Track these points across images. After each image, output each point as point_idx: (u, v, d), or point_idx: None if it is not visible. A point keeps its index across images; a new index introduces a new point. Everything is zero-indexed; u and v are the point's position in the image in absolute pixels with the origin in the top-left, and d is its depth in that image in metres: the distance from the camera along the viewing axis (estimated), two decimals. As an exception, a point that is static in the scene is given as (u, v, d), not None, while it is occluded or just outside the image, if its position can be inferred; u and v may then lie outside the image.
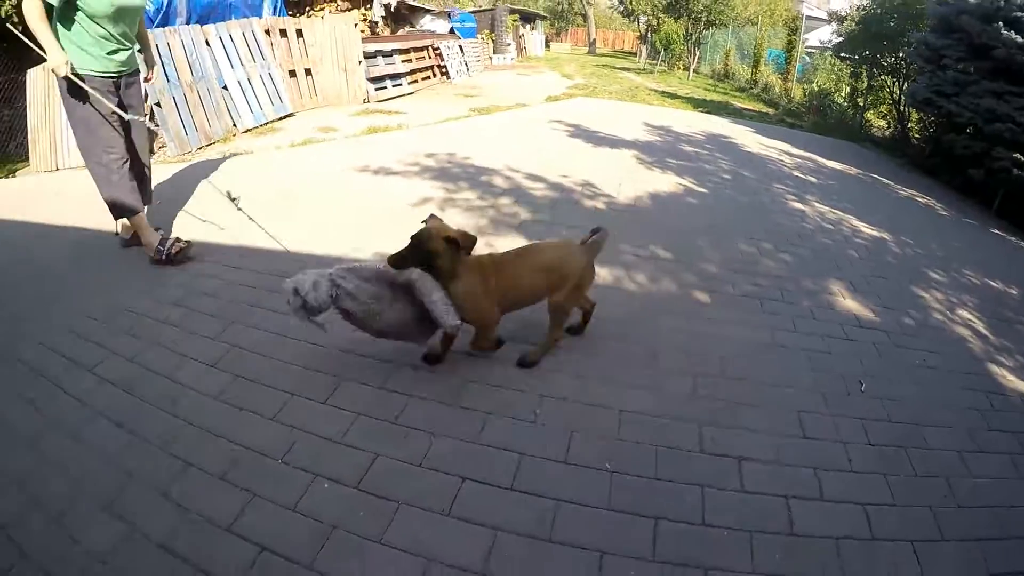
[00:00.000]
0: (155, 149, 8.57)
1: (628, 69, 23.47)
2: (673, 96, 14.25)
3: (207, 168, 5.73)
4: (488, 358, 2.63)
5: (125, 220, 4.23)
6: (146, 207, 4.21)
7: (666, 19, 29.16)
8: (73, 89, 3.87)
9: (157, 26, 8.75)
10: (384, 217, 4.31)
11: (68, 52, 3.79)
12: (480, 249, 2.50)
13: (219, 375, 2.48)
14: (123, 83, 4.01)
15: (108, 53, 3.92)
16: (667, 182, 5.54)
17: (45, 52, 3.80)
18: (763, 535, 1.87)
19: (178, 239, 3.96)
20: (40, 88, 10.59)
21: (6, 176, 7.51)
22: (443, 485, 1.97)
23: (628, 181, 5.42)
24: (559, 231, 4.09)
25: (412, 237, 2.36)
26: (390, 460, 2.06)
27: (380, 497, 1.91)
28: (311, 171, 5.80)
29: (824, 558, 1.82)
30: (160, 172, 6.59)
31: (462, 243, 2.36)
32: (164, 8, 8.34)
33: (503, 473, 2.03)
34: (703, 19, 25.40)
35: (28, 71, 10.76)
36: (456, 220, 4.15)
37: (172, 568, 1.67)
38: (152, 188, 4.24)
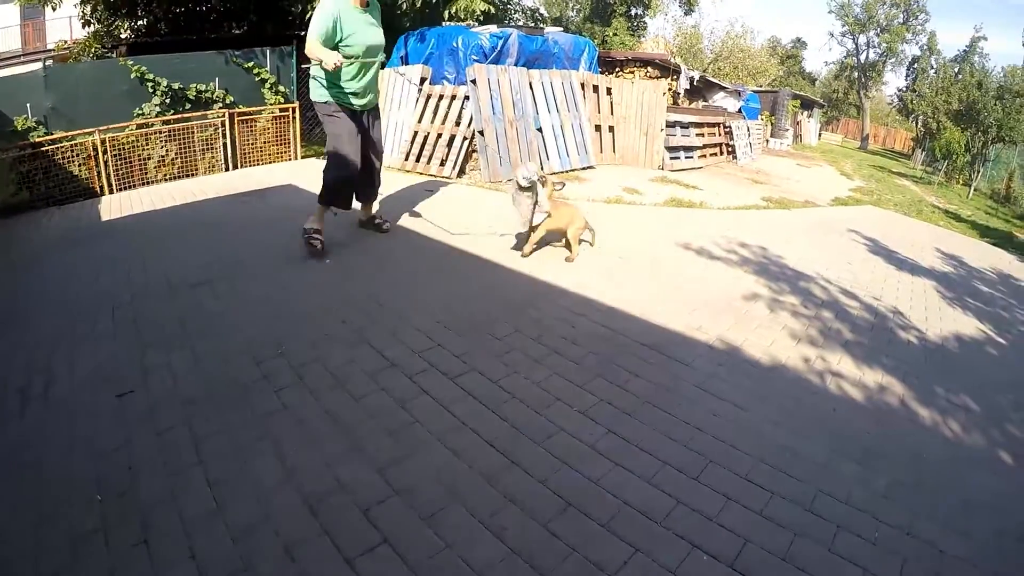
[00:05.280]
0: (466, 171, 10.19)
1: (904, 175, 22.27)
2: (958, 218, 13.39)
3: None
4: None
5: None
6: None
7: (948, 125, 27.20)
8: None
9: (491, 62, 10.17)
10: (720, 305, 4.89)
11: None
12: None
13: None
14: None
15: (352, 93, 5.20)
16: (968, 325, 5.45)
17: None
18: None
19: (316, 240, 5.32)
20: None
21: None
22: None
23: (933, 317, 5.47)
24: (880, 359, 4.32)
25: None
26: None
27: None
28: (632, 233, 6.73)
29: None
30: (472, 194, 7.79)
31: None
32: (499, 48, 9.93)
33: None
34: (991, 132, 23.50)
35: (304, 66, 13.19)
36: (788, 324, 4.67)
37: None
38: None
